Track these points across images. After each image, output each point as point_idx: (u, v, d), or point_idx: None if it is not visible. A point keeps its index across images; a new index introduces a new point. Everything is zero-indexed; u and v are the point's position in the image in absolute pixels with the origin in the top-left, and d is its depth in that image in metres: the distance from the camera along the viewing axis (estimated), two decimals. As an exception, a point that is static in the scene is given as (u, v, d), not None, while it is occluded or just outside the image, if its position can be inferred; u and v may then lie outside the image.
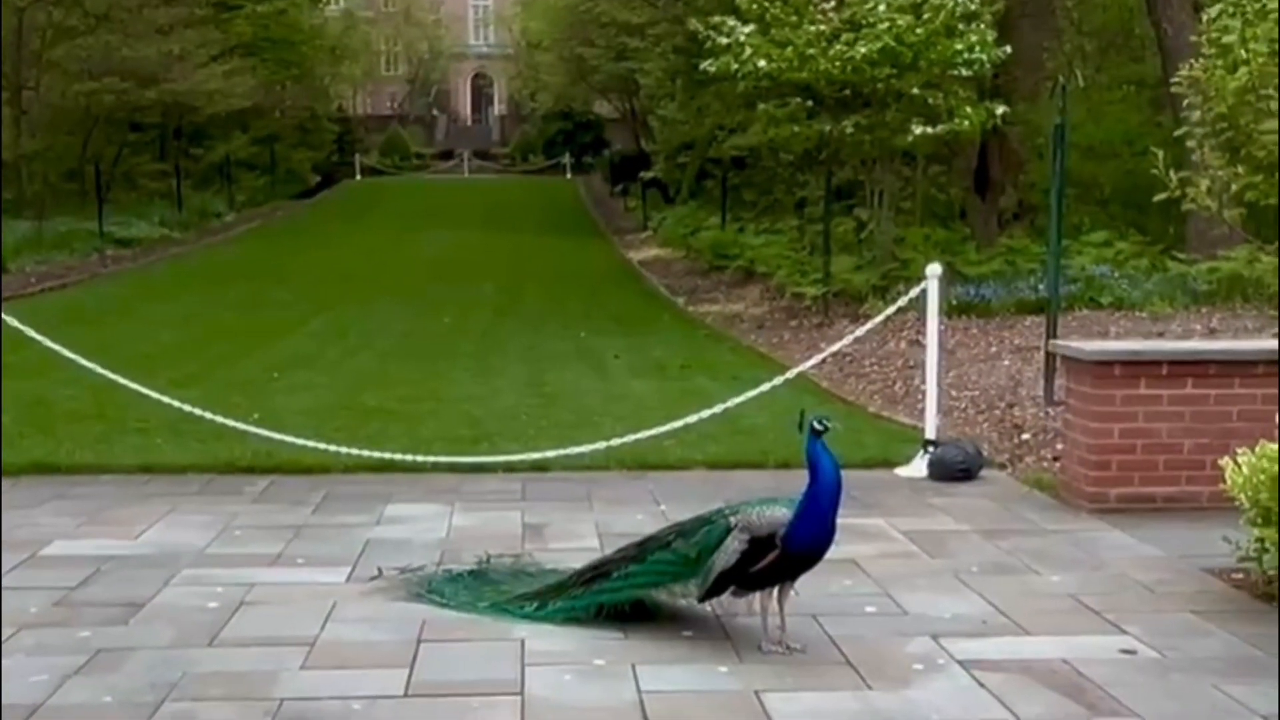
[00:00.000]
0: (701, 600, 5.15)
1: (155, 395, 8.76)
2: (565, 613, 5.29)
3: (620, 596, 5.24)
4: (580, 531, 6.77)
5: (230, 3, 37.73)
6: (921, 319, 9.50)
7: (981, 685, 4.61)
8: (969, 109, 15.46)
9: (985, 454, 8.43)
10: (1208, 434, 7.03)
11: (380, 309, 18.22)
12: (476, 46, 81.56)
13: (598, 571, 5.39)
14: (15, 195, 27.61)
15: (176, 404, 8.68)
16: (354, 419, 9.93)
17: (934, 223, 19.86)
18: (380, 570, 5.96)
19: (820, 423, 4.91)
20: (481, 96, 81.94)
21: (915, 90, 15.20)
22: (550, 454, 8.25)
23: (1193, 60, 7.96)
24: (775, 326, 16.15)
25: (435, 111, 76.31)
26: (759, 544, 4.91)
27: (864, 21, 14.90)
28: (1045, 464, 8.38)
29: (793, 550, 4.90)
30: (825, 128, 15.84)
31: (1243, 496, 5.42)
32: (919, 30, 14.80)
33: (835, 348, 10.57)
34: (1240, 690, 4.55)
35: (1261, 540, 5.42)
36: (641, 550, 5.31)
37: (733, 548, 4.94)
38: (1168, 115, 17.16)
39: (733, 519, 5.02)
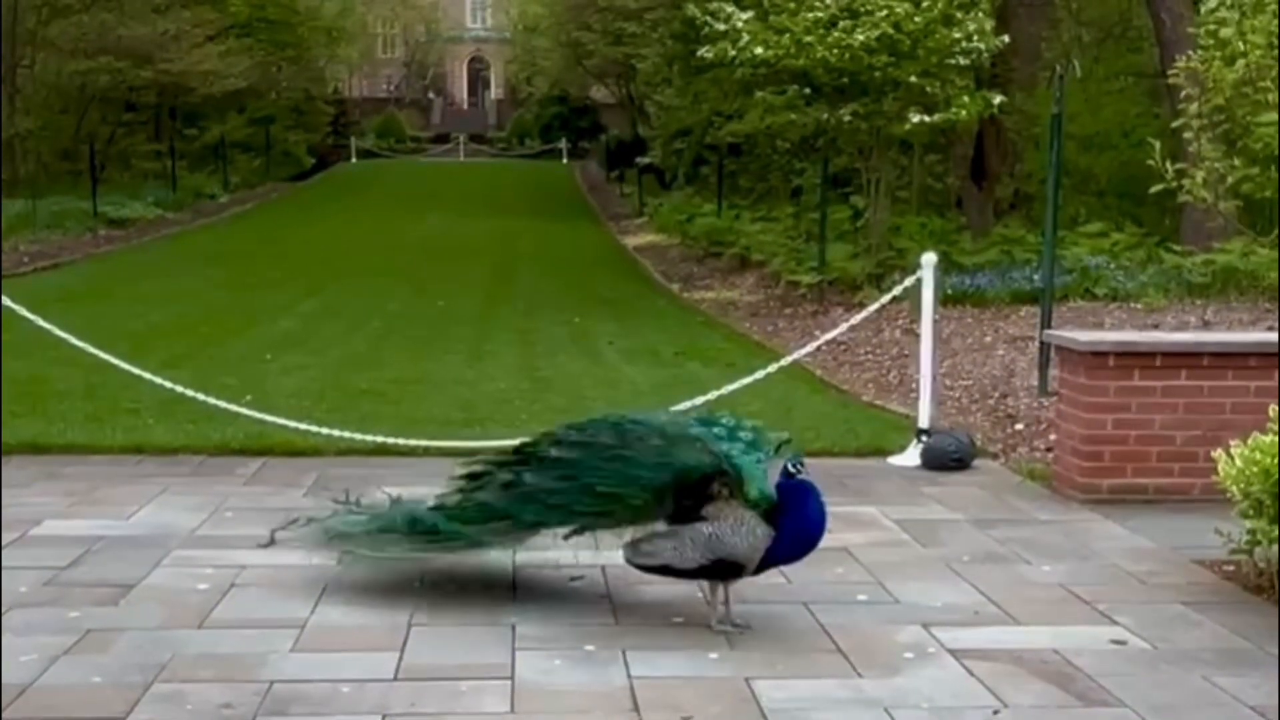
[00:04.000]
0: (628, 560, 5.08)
1: (147, 376, 8.73)
2: (482, 509, 5.17)
3: (543, 519, 5.09)
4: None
5: (226, -17, 37.66)
6: (916, 308, 9.49)
7: (971, 674, 4.61)
8: (966, 98, 15.46)
9: (978, 443, 8.42)
10: (1201, 426, 7.03)
11: (373, 291, 18.17)
12: (473, 30, 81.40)
13: (521, 455, 5.28)
14: (9, 174, 27.50)
15: (168, 385, 8.65)
16: (346, 401, 9.91)
17: (930, 211, 19.89)
18: (273, 536, 5.86)
19: (795, 466, 4.84)
20: (478, 80, 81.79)
21: (913, 78, 15.19)
22: (543, 439, 8.21)
23: (1190, 52, 7.95)
24: (770, 314, 16.14)
25: (431, 95, 76.16)
26: (725, 565, 4.85)
27: (862, 9, 14.89)
28: (1038, 454, 8.37)
29: (756, 572, 4.92)
30: (822, 115, 15.84)
31: (1235, 488, 5.42)
32: (917, 18, 14.79)
33: (830, 336, 10.58)
34: (1230, 681, 4.56)
35: (1253, 532, 5.43)
36: (584, 449, 5.04)
37: (692, 558, 4.83)
38: (1165, 107, 17.17)
39: (716, 483, 4.79)
